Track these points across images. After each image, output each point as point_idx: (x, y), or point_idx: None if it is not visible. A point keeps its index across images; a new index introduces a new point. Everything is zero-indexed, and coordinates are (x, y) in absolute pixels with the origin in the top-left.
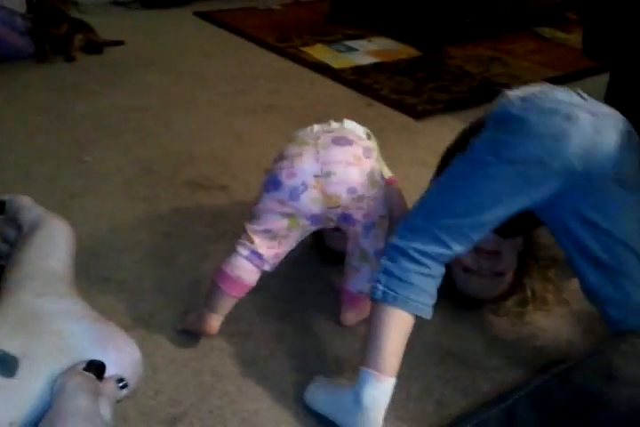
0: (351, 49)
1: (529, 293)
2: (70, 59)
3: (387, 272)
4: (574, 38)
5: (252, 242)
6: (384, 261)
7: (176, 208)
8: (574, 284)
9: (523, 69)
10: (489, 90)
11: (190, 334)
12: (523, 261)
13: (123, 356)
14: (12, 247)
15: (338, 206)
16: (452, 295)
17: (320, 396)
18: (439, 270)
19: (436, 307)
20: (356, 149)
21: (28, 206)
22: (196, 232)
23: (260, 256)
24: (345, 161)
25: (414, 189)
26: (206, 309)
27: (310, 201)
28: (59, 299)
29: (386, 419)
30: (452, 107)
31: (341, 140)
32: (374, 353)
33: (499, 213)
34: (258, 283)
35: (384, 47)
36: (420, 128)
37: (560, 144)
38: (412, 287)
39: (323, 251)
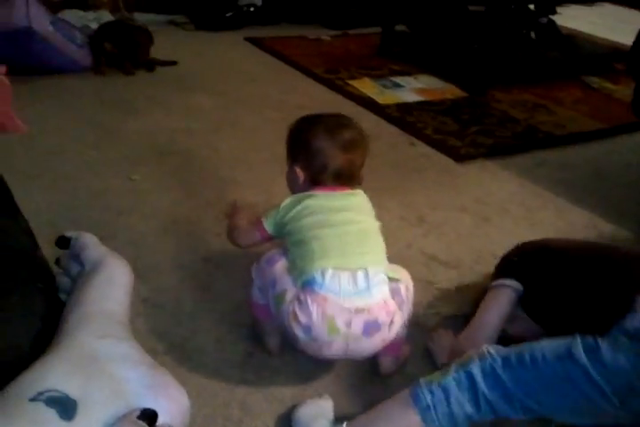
0: (397, 85)
1: None
2: (129, 72)
3: (446, 394)
4: (622, 90)
5: None
6: (451, 380)
7: (217, 233)
8: None
9: (568, 119)
10: (532, 137)
11: (221, 362)
12: None
13: (173, 405)
14: (73, 283)
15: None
16: None
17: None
18: (482, 417)
19: None
20: (384, 333)
21: (91, 245)
22: (235, 259)
23: None
24: (374, 347)
25: (453, 234)
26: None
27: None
28: (118, 342)
29: None
30: (494, 152)
31: (372, 327)
32: None
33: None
34: None
35: (429, 85)
36: (462, 171)
37: None
38: (450, 418)
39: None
